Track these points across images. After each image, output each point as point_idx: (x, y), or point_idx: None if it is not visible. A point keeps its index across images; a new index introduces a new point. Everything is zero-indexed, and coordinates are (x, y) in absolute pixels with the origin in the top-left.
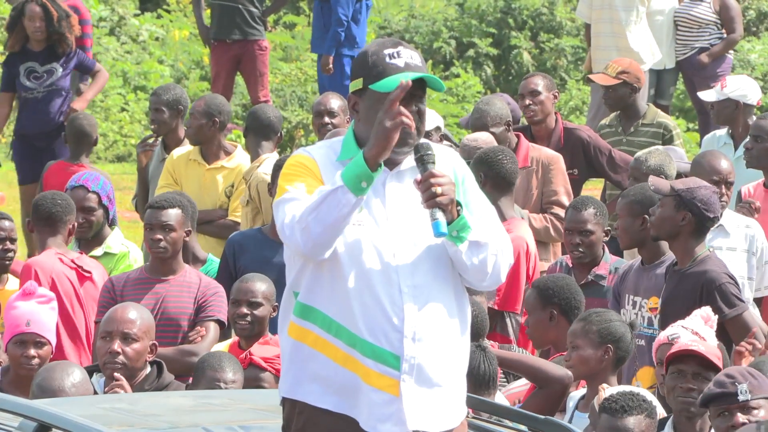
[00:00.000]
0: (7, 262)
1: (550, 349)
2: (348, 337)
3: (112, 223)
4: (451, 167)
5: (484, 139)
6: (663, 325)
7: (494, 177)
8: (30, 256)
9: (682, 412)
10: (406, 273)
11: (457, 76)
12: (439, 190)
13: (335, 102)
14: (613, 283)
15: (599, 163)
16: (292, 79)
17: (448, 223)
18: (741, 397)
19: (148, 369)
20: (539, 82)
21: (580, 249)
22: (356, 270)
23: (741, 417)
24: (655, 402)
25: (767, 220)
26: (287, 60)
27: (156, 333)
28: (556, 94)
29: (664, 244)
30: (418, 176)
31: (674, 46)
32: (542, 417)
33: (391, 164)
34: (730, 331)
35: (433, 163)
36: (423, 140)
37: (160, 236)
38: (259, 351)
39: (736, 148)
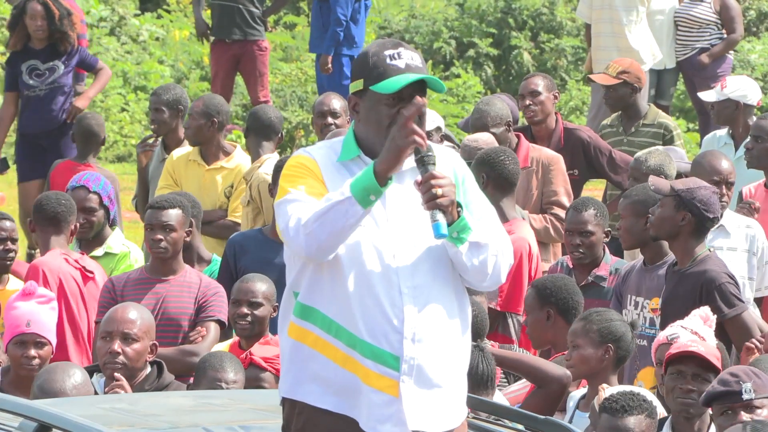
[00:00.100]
0: (8, 263)
1: (550, 349)
2: (348, 338)
3: (113, 224)
4: (452, 168)
5: (484, 139)
6: (663, 326)
7: (496, 178)
8: (30, 255)
9: (681, 413)
10: (406, 274)
11: (458, 76)
12: (439, 191)
13: (337, 102)
14: (614, 284)
15: (599, 163)
16: (292, 79)
17: (449, 225)
18: (745, 396)
19: (149, 369)
20: (539, 83)
21: (581, 250)
22: (356, 271)
23: (744, 416)
24: (656, 402)
25: (767, 220)
26: (287, 60)
27: (156, 333)
28: (557, 94)
29: (667, 245)
30: (419, 177)
31: (674, 47)
32: (542, 417)
33: None
34: (730, 331)
35: (434, 164)
36: None
37: (160, 236)
38: (259, 351)
39: (736, 149)
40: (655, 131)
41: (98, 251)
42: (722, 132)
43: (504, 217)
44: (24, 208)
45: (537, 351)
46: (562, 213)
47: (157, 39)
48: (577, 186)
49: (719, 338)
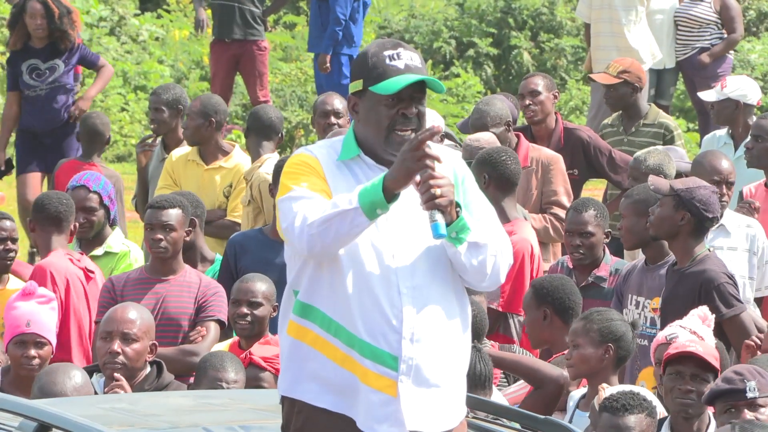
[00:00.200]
0: (9, 262)
1: (550, 349)
2: (347, 337)
3: (113, 223)
4: (451, 168)
5: (486, 139)
6: (663, 325)
7: (498, 178)
8: (32, 255)
9: (680, 413)
10: (405, 274)
11: (457, 76)
12: (438, 191)
13: (340, 102)
14: (614, 284)
15: (599, 163)
16: (292, 79)
17: (447, 225)
18: (749, 395)
19: (148, 369)
20: (539, 82)
21: (581, 251)
22: (355, 271)
23: (748, 414)
24: (656, 402)
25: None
26: (287, 60)
27: (156, 333)
28: (556, 94)
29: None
30: (418, 177)
31: (674, 46)
32: (542, 417)
33: (391, 165)
34: (728, 331)
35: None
36: None
37: (160, 236)
38: (259, 351)
39: (736, 148)
40: (656, 131)
41: (98, 251)
42: (722, 132)
43: (505, 218)
44: (22, 202)
45: (538, 352)
46: (561, 213)
47: (156, 39)
48: (577, 186)
49: (718, 338)
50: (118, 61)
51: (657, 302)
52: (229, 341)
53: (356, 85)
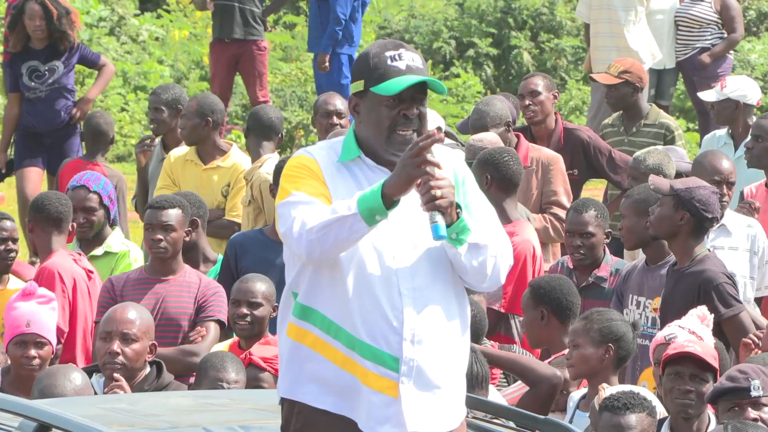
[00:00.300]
0: (9, 262)
1: (549, 350)
2: (347, 339)
3: (113, 224)
4: (451, 168)
5: (489, 139)
6: (663, 325)
7: (500, 179)
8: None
9: (680, 414)
10: (406, 275)
11: (457, 76)
12: (438, 192)
13: (341, 102)
14: (615, 284)
15: (599, 163)
16: (292, 79)
17: (448, 226)
18: (754, 393)
19: (148, 369)
20: (539, 83)
21: (582, 251)
22: (356, 272)
23: (752, 413)
24: (656, 402)
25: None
26: (287, 60)
27: (156, 333)
28: (556, 94)
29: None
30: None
31: (675, 46)
32: (542, 417)
33: (392, 166)
34: (727, 331)
35: (431, 149)
36: None
37: (160, 236)
38: (259, 351)
39: (736, 148)
40: (657, 131)
41: (98, 251)
42: (722, 132)
43: (507, 218)
44: (22, 198)
45: (539, 352)
46: (561, 213)
47: (156, 39)
48: (576, 186)
49: (718, 338)
50: (118, 61)
51: (658, 302)
52: (228, 341)
53: (357, 86)
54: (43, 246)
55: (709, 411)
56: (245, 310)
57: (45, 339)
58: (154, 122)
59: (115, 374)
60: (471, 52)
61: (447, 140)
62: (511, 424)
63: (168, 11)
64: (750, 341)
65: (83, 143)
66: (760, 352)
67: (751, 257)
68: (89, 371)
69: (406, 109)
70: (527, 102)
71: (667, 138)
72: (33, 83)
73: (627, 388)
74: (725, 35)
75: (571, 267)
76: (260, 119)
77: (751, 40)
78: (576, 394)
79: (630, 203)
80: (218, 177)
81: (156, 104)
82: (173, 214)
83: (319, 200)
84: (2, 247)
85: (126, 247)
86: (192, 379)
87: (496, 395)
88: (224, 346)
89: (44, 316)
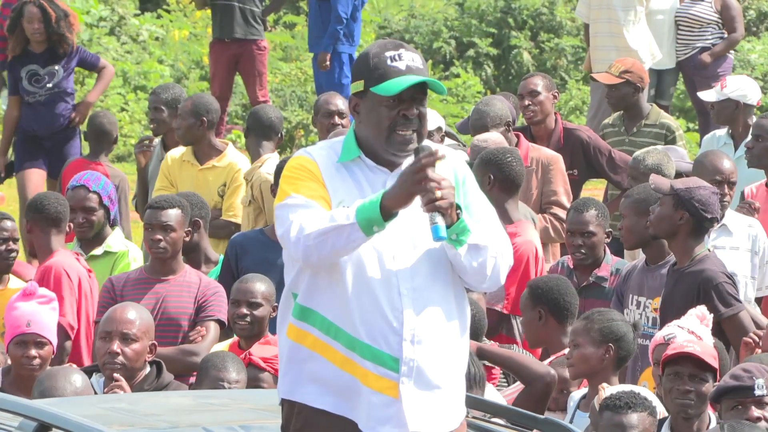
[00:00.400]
0: (10, 262)
1: (548, 350)
2: (347, 340)
3: (113, 224)
4: (452, 169)
5: (494, 139)
6: (663, 325)
7: (503, 179)
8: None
9: (680, 414)
10: (406, 276)
11: (457, 76)
12: (438, 193)
13: (343, 102)
14: (615, 284)
15: (599, 163)
16: (292, 79)
17: (448, 227)
18: (758, 392)
19: (148, 369)
20: (538, 83)
21: (582, 251)
22: (355, 273)
23: (755, 411)
24: (656, 402)
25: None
26: (287, 60)
27: (156, 333)
28: (556, 94)
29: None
30: None
31: (675, 46)
32: (542, 417)
33: (392, 166)
34: (727, 331)
35: (433, 166)
36: (423, 143)
37: (159, 236)
38: (258, 351)
39: (736, 148)
40: (658, 131)
41: (98, 250)
42: (722, 132)
43: (509, 219)
44: (24, 200)
45: (539, 353)
46: (561, 213)
47: (156, 39)
48: (576, 186)
49: (718, 337)
50: (118, 61)
51: (658, 302)
52: (228, 341)
53: (357, 86)
54: (41, 246)
55: (710, 411)
56: (245, 310)
57: (45, 339)
58: (154, 122)
59: (115, 374)
60: (471, 52)
61: (448, 140)
62: (511, 423)
63: (168, 11)
64: (750, 340)
65: (87, 143)
66: (760, 351)
67: (752, 257)
68: (89, 371)
69: (406, 109)
70: (527, 102)
71: (668, 138)
72: (32, 87)
73: (628, 387)
74: (725, 35)
75: (572, 267)
76: (260, 119)
77: (751, 40)
78: (577, 394)
79: (630, 203)
80: (214, 177)
81: (156, 104)
82: (173, 214)
83: (317, 203)
84: (3, 247)
85: (126, 247)
86: (192, 379)
87: (496, 395)
88: (224, 346)
89: (45, 316)
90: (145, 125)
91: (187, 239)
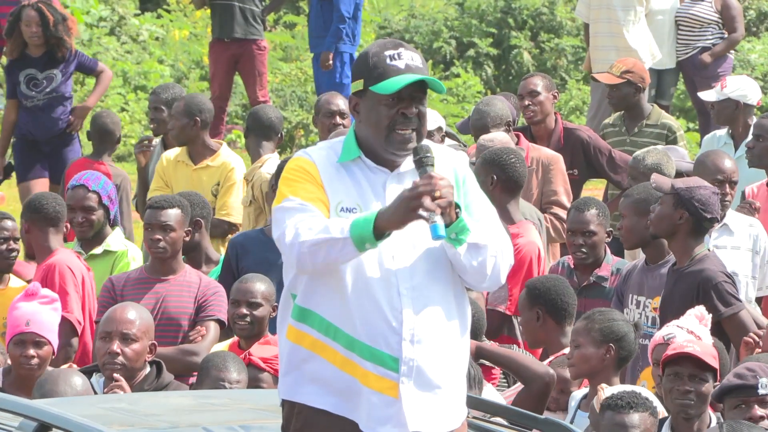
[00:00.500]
0: (11, 262)
1: (547, 350)
2: (346, 340)
3: (113, 223)
4: (452, 168)
5: (500, 139)
6: (662, 325)
7: (506, 180)
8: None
9: (680, 414)
10: (405, 275)
11: (457, 76)
12: (437, 193)
13: (343, 102)
14: (615, 283)
15: (599, 163)
16: (292, 79)
17: (447, 226)
18: (761, 391)
19: (148, 369)
20: (538, 83)
21: (583, 250)
22: (354, 273)
23: (759, 410)
24: (656, 402)
25: None
26: (287, 60)
27: (156, 333)
28: (556, 94)
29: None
30: (417, 178)
31: (675, 46)
32: (542, 417)
33: (391, 166)
34: (727, 330)
35: (432, 165)
36: (422, 142)
37: (159, 236)
38: (258, 351)
39: (736, 148)
40: (659, 132)
41: (98, 250)
42: (722, 132)
43: (511, 220)
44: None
45: (540, 353)
46: (561, 212)
47: (156, 39)
48: (577, 186)
49: (718, 337)
50: (118, 61)
51: (658, 302)
52: (228, 341)
53: (357, 85)
54: (40, 246)
55: (710, 411)
56: (245, 310)
57: (44, 338)
58: (154, 122)
59: (115, 374)
60: (471, 52)
61: (448, 140)
62: (511, 423)
63: (168, 11)
64: (751, 340)
65: (90, 142)
66: (760, 351)
67: (753, 257)
68: (89, 371)
69: (405, 108)
70: (527, 102)
71: (669, 138)
72: (30, 92)
73: (628, 387)
74: (726, 35)
75: (572, 266)
76: (260, 119)
77: (751, 40)
78: (578, 394)
79: (630, 203)
80: (208, 176)
81: (156, 104)
82: (172, 214)
83: (314, 205)
84: (4, 246)
85: (125, 246)
86: (192, 379)
87: (496, 395)
88: (224, 346)
89: (45, 316)
90: (145, 125)
91: (188, 239)
